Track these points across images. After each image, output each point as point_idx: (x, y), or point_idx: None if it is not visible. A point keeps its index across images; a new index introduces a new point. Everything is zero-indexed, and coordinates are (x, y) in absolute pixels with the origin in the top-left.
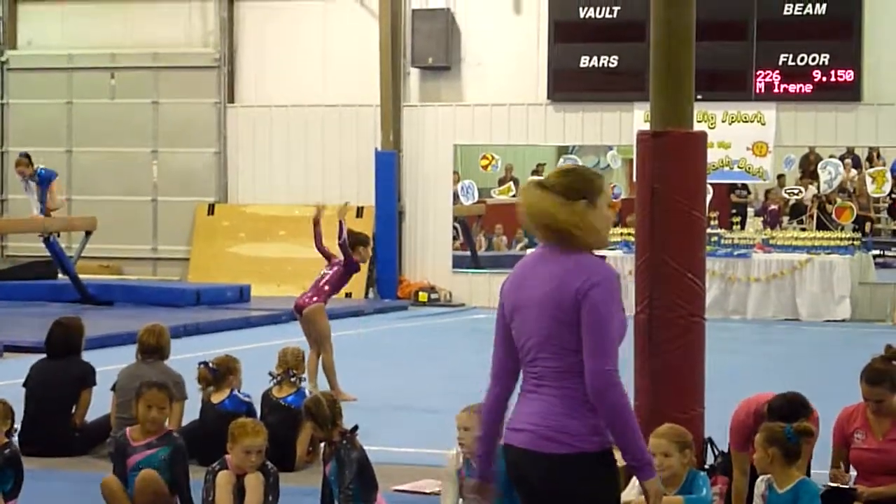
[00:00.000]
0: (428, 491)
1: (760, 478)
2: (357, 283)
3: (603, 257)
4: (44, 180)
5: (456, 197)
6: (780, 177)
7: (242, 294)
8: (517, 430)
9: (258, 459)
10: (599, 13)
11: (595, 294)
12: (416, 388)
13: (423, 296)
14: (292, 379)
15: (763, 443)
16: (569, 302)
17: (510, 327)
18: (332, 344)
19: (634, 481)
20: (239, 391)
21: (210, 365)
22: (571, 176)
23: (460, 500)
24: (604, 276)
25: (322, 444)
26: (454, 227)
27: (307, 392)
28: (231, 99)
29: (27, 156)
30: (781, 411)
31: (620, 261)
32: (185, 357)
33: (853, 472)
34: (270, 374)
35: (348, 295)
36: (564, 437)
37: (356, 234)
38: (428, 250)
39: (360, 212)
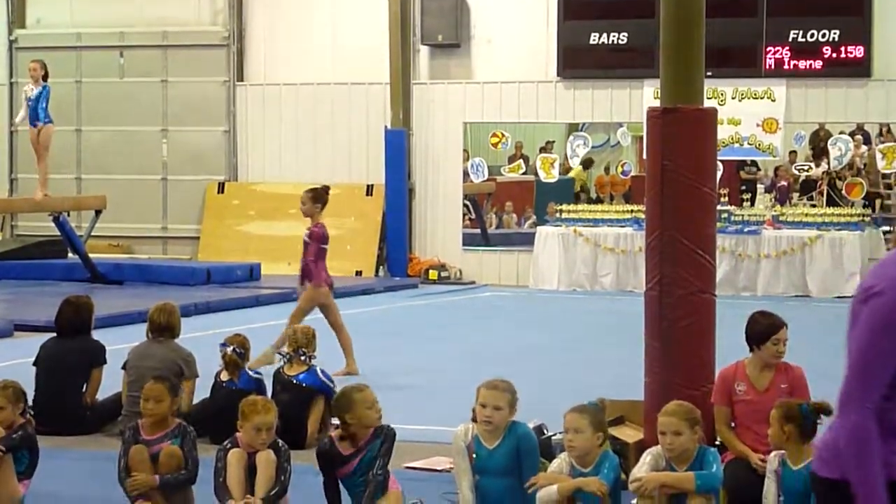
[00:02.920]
0: (440, 468)
1: (773, 453)
2: (367, 261)
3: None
4: (45, 94)
5: (466, 175)
6: (791, 153)
7: (252, 272)
8: None
9: (269, 437)
10: None
11: None
12: (426, 366)
13: (433, 274)
14: (303, 357)
15: (779, 419)
16: None
17: None
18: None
19: (645, 458)
20: (249, 369)
21: (236, 349)
22: None
23: (476, 476)
24: None
25: (339, 428)
26: (464, 205)
27: (318, 371)
28: (240, 77)
29: (44, 64)
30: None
31: (631, 237)
32: (196, 335)
33: None
34: (280, 352)
35: (359, 273)
36: None
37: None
38: (438, 228)
39: (370, 190)
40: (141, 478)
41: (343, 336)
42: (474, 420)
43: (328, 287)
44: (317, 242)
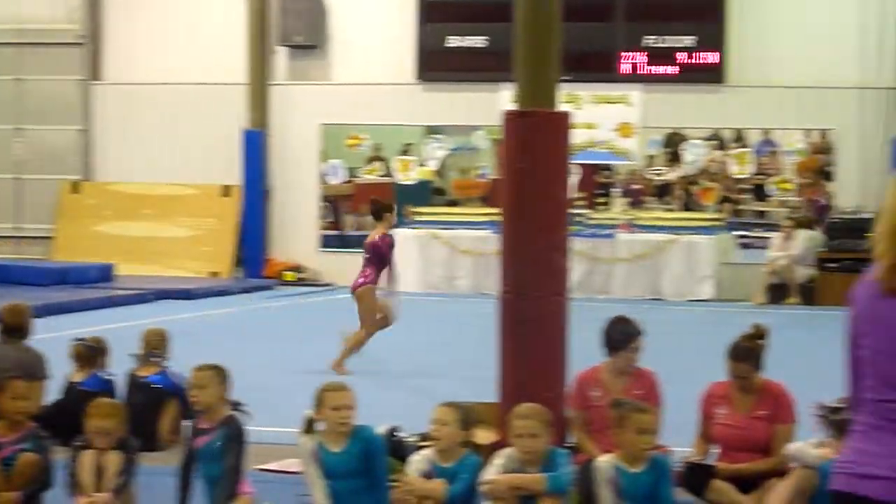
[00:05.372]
0: (293, 470)
1: (603, 459)
2: (223, 263)
3: None
4: None
5: (324, 177)
6: (650, 157)
7: (106, 273)
8: (876, 478)
9: (111, 439)
10: None
11: None
12: (280, 368)
13: (289, 275)
14: (155, 359)
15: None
16: None
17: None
18: (374, 328)
19: (496, 459)
20: (103, 371)
21: (86, 342)
22: None
23: (327, 480)
24: None
25: (192, 421)
26: (322, 207)
27: (170, 372)
28: (96, 76)
29: None
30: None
31: (488, 240)
32: (48, 336)
33: (715, 449)
34: (134, 354)
35: (215, 274)
36: None
37: (379, 202)
38: (295, 230)
39: (227, 191)
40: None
41: (360, 334)
42: (307, 431)
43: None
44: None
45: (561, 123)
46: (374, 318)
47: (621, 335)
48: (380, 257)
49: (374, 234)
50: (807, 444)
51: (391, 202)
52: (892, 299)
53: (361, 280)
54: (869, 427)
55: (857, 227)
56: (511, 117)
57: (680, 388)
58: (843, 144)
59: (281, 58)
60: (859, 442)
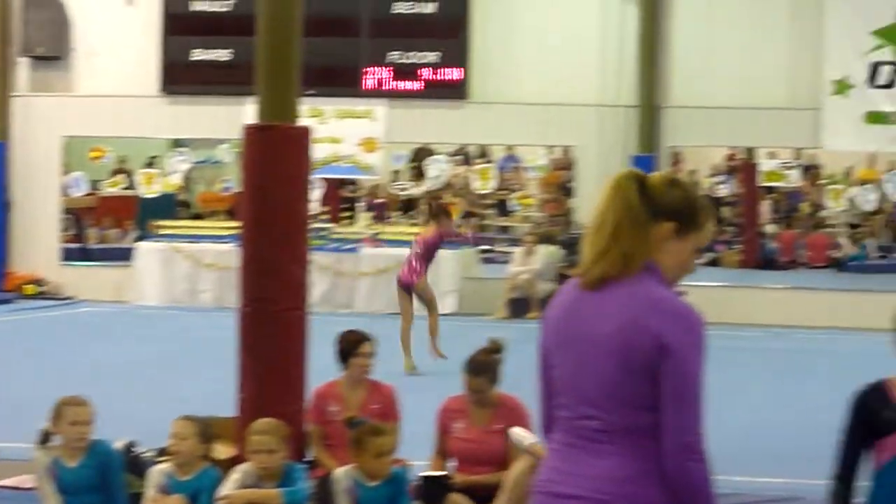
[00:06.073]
0: (28, 486)
1: (341, 470)
2: None
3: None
4: None
5: (66, 189)
6: (395, 172)
7: None
8: (571, 497)
9: None
10: (214, 6)
11: (683, 344)
12: (15, 383)
13: (29, 288)
14: None
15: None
16: (647, 347)
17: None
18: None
19: (232, 475)
20: None
21: None
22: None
23: (63, 496)
24: (695, 324)
25: None
26: (64, 220)
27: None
28: None
29: None
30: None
31: (231, 254)
32: None
33: (452, 462)
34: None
35: None
36: None
37: (438, 204)
38: (36, 242)
39: None
40: None
41: (433, 318)
42: (43, 446)
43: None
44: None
45: (301, 138)
46: (436, 300)
47: (348, 343)
48: (430, 253)
49: (427, 232)
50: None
51: (449, 206)
52: (591, 293)
53: (414, 277)
54: (563, 445)
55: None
56: (251, 131)
57: (420, 401)
58: (584, 161)
59: (23, 69)
60: (555, 461)
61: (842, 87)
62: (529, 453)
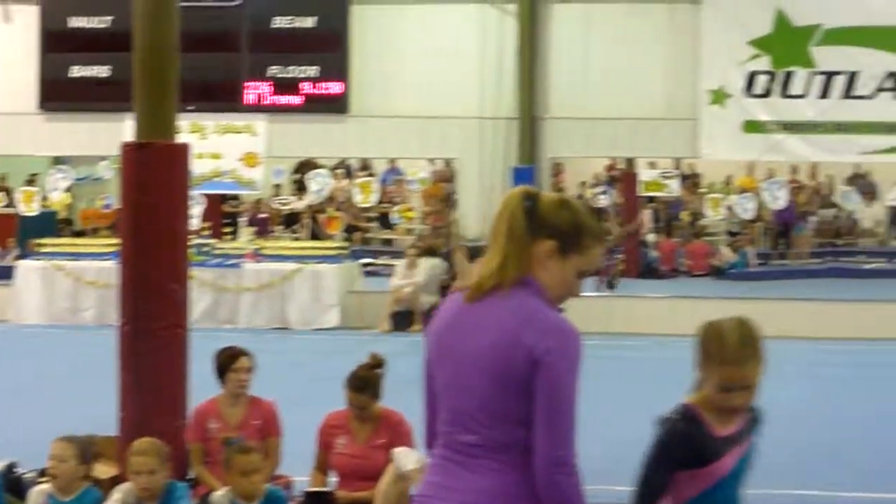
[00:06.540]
0: None
1: (220, 492)
2: None
3: None
4: None
5: None
6: (277, 186)
7: None
8: None
9: None
10: (92, 22)
11: (555, 357)
12: None
13: None
14: None
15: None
16: (520, 361)
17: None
18: None
19: (113, 494)
20: None
21: None
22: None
23: None
24: (569, 337)
25: None
26: None
27: None
28: None
29: None
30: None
31: (113, 271)
32: None
33: (335, 477)
34: None
35: None
36: None
37: None
38: None
39: None
40: None
41: None
42: None
43: None
44: None
45: (179, 154)
46: None
47: (225, 359)
48: None
49: None
50: (411, 452)
51: None
52: (471, 306)
53: None
54: (443, 460)
55: (477, 254)
56: (128, 149)
57: (302, 416)
58: (465, 173)
59: None
60: (434, 475)
61: (719, 96)
62: (408, 479)
